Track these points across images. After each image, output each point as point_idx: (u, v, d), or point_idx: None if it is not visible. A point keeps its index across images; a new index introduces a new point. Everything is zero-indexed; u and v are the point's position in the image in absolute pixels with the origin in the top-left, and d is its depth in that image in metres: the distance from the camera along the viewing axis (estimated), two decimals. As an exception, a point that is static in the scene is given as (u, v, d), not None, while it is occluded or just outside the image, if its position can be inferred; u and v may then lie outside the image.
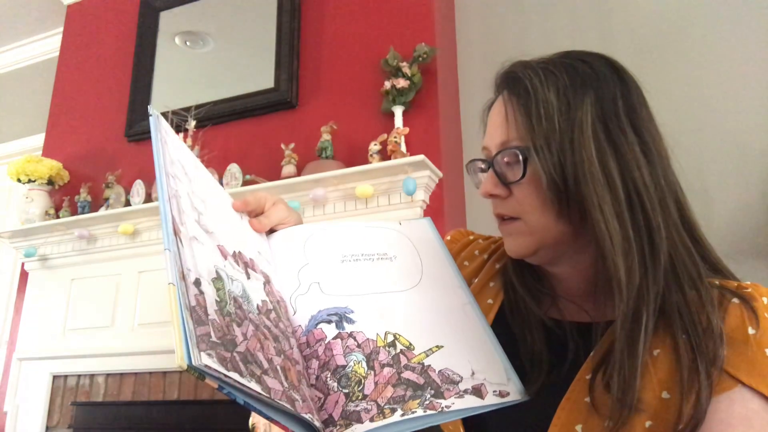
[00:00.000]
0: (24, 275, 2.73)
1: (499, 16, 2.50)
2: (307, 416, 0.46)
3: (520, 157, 0.60)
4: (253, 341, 0.46)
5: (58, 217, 2.64)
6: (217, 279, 0.48)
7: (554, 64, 0.63)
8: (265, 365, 0.45)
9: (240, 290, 0.50)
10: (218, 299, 0.45)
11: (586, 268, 0.64)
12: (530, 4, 2.45)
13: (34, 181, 2.66)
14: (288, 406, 0.44)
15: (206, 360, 0.38)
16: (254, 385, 0.42)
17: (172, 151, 0.55)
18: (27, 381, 2.54)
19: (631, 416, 0.53)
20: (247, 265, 0.56)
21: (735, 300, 0.57)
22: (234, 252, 0.55)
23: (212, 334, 0.41)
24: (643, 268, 0.56)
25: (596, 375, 0.57)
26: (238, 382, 0.40)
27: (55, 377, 2.50)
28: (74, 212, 2.63)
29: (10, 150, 3.53)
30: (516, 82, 0.63)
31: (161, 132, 0.55)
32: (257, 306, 0.52)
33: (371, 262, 0.66)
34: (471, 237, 0.82)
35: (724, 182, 1.97)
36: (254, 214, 0.67)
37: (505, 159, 0.62)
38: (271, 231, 0.69)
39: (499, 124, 0.64)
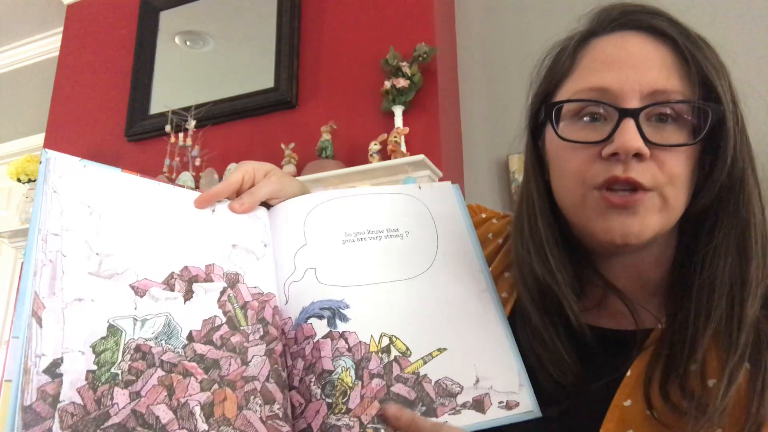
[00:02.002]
0: (24, 275, 2.73)
1: (499, 16, 2.50)
2: None
3: (707, 118, 0.49)
4: (154, 393, 0.43)
5: (58, 217, 2.64)
6: (107, 337, 0.44)
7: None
8: (165, 419, 0.42)
9: (156, 329, 0.47)
10: (96, 367, 0.42)
11: (652, 264, 0.56)
12: (530, 4, 2.45)
13: (34, 181, 2.66)
14: None
15: None
16: None
17: (69, 197, 0.49)
18: (27, 381, 2.53)
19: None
20: (195, 280, 0.51)
21: None
22: (171, 273, 0.50)
23: (55, 427, 0.39)
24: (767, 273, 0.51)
25: (650, 392, 0.49)
26: None
27: (55, 377, 2.50)
28: (74, 212, 2.63)
29: (10, 150, 3.53)
30: (679, 26, 0.52)
31: (50, 181, 0.49)
32: (189, 333, 0.48)
33: (378, 241, 0.59)
34: (483, 215, 0.71)
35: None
36: (240, 192, 0.58)
37: (664, 110, 0.50)
38: (270, 205, 0.60)
39: (653, 66, 0.50)
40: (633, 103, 0.50)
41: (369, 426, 0.46)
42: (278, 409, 0.48)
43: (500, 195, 2.29)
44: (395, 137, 2.03)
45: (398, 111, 2.11)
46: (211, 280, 0.52)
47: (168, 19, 2.79)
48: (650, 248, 0.55)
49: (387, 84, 2.11)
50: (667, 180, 0.50)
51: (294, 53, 2.42)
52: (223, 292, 0.52)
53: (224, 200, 0.57)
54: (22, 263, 0.44)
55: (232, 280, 0.53)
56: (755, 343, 0.48)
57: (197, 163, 2.39)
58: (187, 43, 2.73)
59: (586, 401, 0.51)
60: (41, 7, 3.34)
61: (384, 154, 2.07)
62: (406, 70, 2.10)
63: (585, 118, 0.53)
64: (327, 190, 2.05)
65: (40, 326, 0.42)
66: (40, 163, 0.49)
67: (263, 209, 0.60)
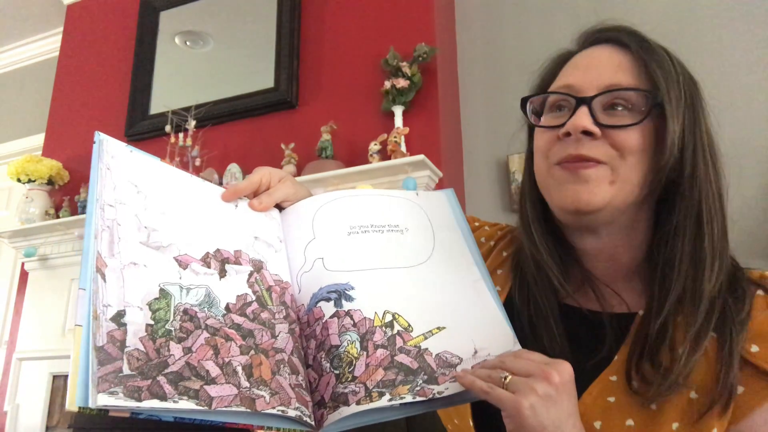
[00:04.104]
0: (24, 275, 2.73)
1: (499, 16, 2.50)
2: (274, 411, 0.47)
3: (648, 102, 0.57)
4: (202, 351, 0.48)
5: (58, 217, 2.64)
6: (160, 298, 0.49)
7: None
8: (214, 373, 0.47)
9: (199, 297, 0.52)
10: (153, 322, 0.47)
11: (624, 248, 0.62)
12: (530, 4, 2.45)
13: (34, 181, 2.66)
14: (241, 408, 0.45)
15: (104, 400, 0.40)
16: (184, 404, 0.43)
17: (121, 174, 0.55)
18: (27, 381, 2.54)
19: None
20: (227, 261, 0.57)
21: (760, 292, 0.57)
22: (206, 253, 0.56)
23: (125, 367, 0.43)
24: (720, 283, 0.57)
25: (630, 374, 0.56)
26: (156, 408, 0.42)
27: (55, 377, 2.50)
28: (74, 212, 2.63)
29: (10, 150, 3.53)
30: (637, 37, 0.62)
31: (104, 159, 0.55)
32: (227, 305, 0.53)
33: (380, 234, 0.64)
34: (477, 224, 0.81)
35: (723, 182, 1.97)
36: (257, 193, 0.65)
37: (623, 99, 0.58)
38: (283, 208, 0.67)
39: (610, 67, 0.60)
40: (589, 94, 0.59)
41: (374, 390, 0.50)
42: (302, 380, 0.52)
43: (500, 195, 2.29)
44: (395, 137, 2.03)
45: (398, 111, 2.11)
46: (240, 263, 0.58)
47: (168, 19, 2.79)
48: (619, 229, 0.61)
49: (387, 84, 2.11)
50: (617, 154, 0.57)
51: (294, 53, 2.42)
52: (250, 275, 0.57)
53: (244, 199, 0.64)
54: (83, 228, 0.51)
55: (257, 266, 0.59)
56: (721, 317, 0.55)
57: (197, 163, 2.39)
58: (187, 43, 2.73)
59: (576, 370, 0.56)
60: (41, 7, 3.34)
61: (384, 154, 2.07)
62: (406, 70, 2.10)
63: (555, 110, 0.63)
64: (330, 190, 2.06)
65: (104, 281, 0.47)
66: (94, 143, 0.56)
67: (276, 210, 0.66)
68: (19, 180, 2.66)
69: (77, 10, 3.15)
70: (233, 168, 2.34)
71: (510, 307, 0.65)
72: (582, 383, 0.56)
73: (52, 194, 2.74)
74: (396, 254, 0.63)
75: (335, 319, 0.55)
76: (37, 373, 2.52)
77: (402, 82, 2.08)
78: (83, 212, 2.57)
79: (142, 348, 0.45)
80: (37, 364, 2.53)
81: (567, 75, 0.63)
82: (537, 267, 0.64)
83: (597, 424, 0.55)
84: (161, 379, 0.44)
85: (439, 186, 2.06)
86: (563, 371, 0.48)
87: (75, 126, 2.92)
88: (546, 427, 0.46)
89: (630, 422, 0.54)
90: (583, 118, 0.57)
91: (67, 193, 2.72)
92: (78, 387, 0.41)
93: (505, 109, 2.33)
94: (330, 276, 0.59)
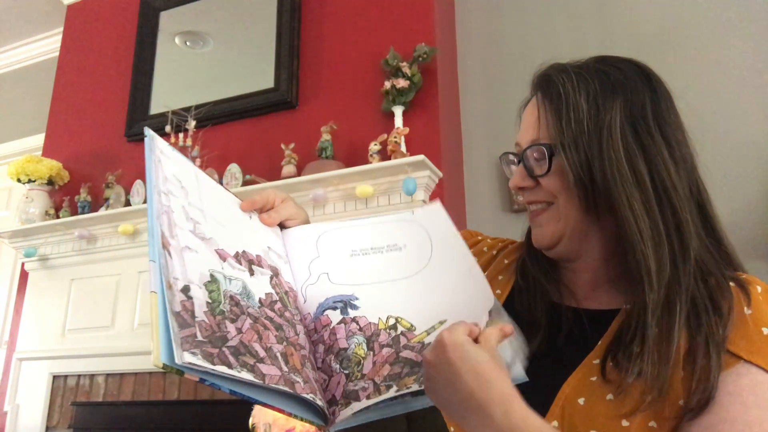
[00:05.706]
0: (24, 275, 2.73)
1: (499, 16, 2.50)
2: (309, 396, 0.50)
3: (546, 153, 0.65)
4: (249, 333, 0.51)
5: (58, 217, 2.64)
6: (211, 282, 0.53)
7: (588, 70, 0.67)
8: (262, 354, 0.50)
9: (239, 288, 0.56)
10: (210, 301, 0.51)
11: (595, 262, 0.69)
12: (530, 4, 2.45)
13: (34, 181, 2.66)
14: (286, 388, 0.49)
15: (189, 358, 0.43)
16: (245, 375, 0.47)
17: (168, 168, 0.61)
18: (27, 381, 2.54)
19: (661, 398, 0.56)
20: (252, 263, 0.61)
21: (731, 284, 0.62)
22: (237, 252, 0.60)
23: (198, 334, 0.46)
24: (673, 261, 0.60)
25: (606, 358, 0.61)
26: (226, 374, 0.45)
27: (55, 377, 2.50)
28: (74, 212, 2.63)
29: (10, 150, 3.53)
30: (549, 85, 0.68)
31: (156, 152, 0.60)
32: (259, 299, 0.57)
33: (381, 254, 0.69)
34: (479, 237, 0.88)
35: (724, 182, 1.97)
36: (264, 210, 0.73)
37: (534, 155, 0.67)
38: (284, 226, 0.74)
39: (531, 124, 0.69)
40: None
41: (382, 384, 0.54)
42: (317, 377, 0.56)
43: (500, 195, 2.29)
44: (395, 137, 2.03)
45: (398, 111, 2.11)
46: (262, 266, 0.62)
47: (168, 19, 2.79)
48: (581, 257, 0.69)
49: (387, 84, 2.11)
50: (553, 196, 0.66)
51: (294, 53, 2.42)
52: (271, 278, 0.62)
53: (255, 213, 0.70)
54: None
55: (275, 272, 0.64)
56: (694, 312, 0.59)
57: (197, 163, 2.39)
58: (187, 43, 2.73)
59: (563, 358, 0.64)
60: (41, 7, 3.34)
61: (384, 155, 2.07)
62: (406, 70, 2.10)
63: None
64: (330, 190, 2.06)
65: (170, 256, 0.51)
66: (145, 136, 0.61)
67: (278, 228, 0.73)
68: (19, 180, 2.66)
69: (77, 10, 3.15)
70: (233, 168, 2.34)
71: (509, 307, 0.70)
72: (570, 367, 0.63)
73: (52, 194, 2.74)
74: (396, 268, 0.67)
75: (342, 325, 0.60)
76: (37, 373, 2.52)
77: (402, 83, 2.08)
78: (83, 212, 2.57)
79: (206, 320, 0.49)
80: (37, 364, 2.53)
81: (519, 131, 0.73)
82: (526, 274, 0.73)
83: (581, 401, 0.60)
84: (225, 350, 0.47)
85: (439, 186, 2.06)
86: (438, 345, 0.53)
87: (75, 126, 2.92)
88: (445, 398, 0.52)
89: (610, 396, 0.59)
90: (515, 178, 0.70)
91: (67, 193, 2.72)
92: (162, 345, 0.43)
93: (505, 109, 2.33)
94: (335, 288, 0.64)
